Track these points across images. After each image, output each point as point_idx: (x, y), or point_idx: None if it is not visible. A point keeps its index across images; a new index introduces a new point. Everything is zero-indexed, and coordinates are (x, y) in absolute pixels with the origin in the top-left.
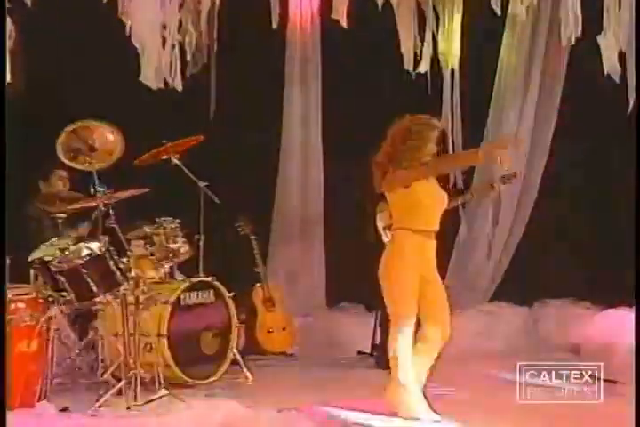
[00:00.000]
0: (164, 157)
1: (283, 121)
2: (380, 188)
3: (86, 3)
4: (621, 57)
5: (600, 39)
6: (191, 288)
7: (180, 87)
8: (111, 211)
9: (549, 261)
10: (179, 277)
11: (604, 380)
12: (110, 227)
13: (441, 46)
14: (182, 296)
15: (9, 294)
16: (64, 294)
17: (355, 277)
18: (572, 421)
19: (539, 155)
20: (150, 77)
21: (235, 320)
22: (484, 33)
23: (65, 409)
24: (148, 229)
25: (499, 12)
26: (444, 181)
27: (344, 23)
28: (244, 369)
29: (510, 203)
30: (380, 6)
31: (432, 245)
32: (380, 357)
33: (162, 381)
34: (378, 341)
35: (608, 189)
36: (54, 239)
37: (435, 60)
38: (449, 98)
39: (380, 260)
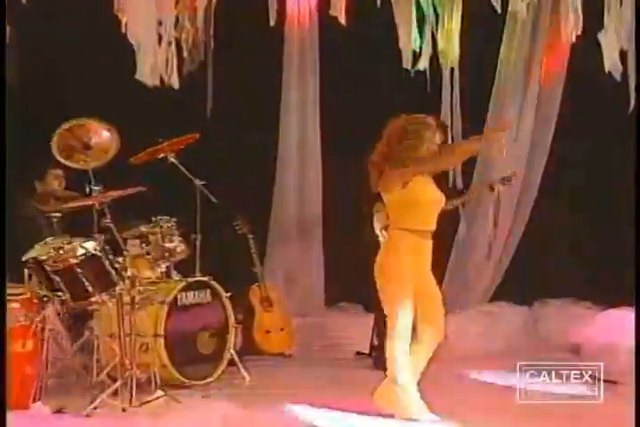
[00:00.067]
0: (161, 155)
1: (280, 119)
2: (376, 188)
3: None
4: (622, 55)
5: (601, 37)
6: (188, 288)
7: (176, 85)
8: (107, 210)
9: (549, 261)
10: (175, 276)
11: (605, 380)
12: (106, 226)
13: (440, 44)
14: (179, 296)
15: None
16: (59, 293)
17: (353, 277)
18: (572, 421)
19: (539, 154)
20: (146, 75)
21: (232, 320)
22: (483, 30)
23: (60, 410)
24: (144, 229)
25: (499, 10)
26: (442, 181)
27: (342, 20)
28: (242, 370)
29: (510, 203)
30: (379, 3)
31: (428, 245)
32: (378, 357)
33: (158, 381)
34: (376, 341)
35: (608, 189)
36: (49, 239)
37: (434, 58)
38: (448, 96)
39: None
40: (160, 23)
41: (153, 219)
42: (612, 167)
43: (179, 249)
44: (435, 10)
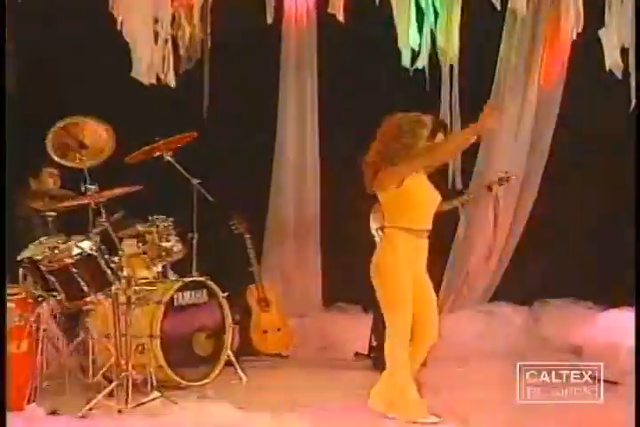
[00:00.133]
0: (157, 153)
1: (278, 118)
2: (370, 187)
3: None
4: (624, 52)
5: (602, 34)
6: (184, 288)
7: (172, 83)
8: (102, 209)
9: (549, 261)
10: (171, 276)
11: (606, 381)
12: (101, 225)
13: (439, 41)
14: (175, 296)
15: None
16: (54, 293)
17: (351, 276)
18: (572, 421)
19: (539, 153)
20: (142, 73)
21: (229, 321)
22: (483, 28)
23: (55, 412)
24: (140, 228)
25: (498, 7)
26: (441, 181)
27: (341, 18)
28: (239, 371)
29: (510, 202)
30: (378, 1)
31: (424, 244)
32: (377, 358)
33: (154, 383)
34: (375, 342)
35: (609, 188)
36: (44, 238)
37: (433, 56)
38: (447, 94)
39: None
40: (156, 21)
41: (149, 218)
42: (612, 166)
43: (175, 249)
44: (434, 7)
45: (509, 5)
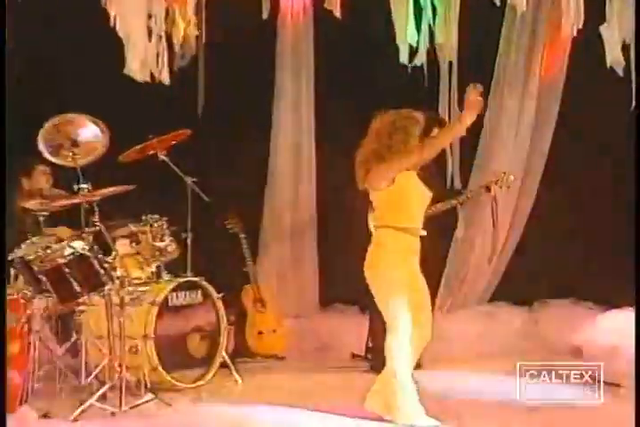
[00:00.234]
0: (151, 152)
1: (273, 116)
2: (362, 185)
3: None
4: (625, 49)
5: (603, 30)
6: (178, 288)
7: (167, 80)
8: (95, 208)
9: (549, 261)
10: (165, 276)
11: (608, 383)
12: (94, 225)
13: (438, 37)
14: (169, 297)
15: None
16: (46, 294)
17: (348, 277)
18: (572, 421)
19: (539, 151)
20: (136, 70)
21: (224, 322)
22: (482, 24)
23: (46, 415)
24: (133, 228)
25: (498, 2)
26: (440, 181)
27: (337, 13)
28: (234, 373)
29: (509, 202)
30: None
31: (416, 242)
32: (374, 359)
33: (148, 385)
34: (372, 343)
35: (609, 187)
36: (35, 238)
37: (431, 52)
38: (446, 91)
39: None
40: (150, 16)
41: (143, 217)
42: (613, 165)
43: (169, 248)
44: (432, 3)
45: (509, 1)
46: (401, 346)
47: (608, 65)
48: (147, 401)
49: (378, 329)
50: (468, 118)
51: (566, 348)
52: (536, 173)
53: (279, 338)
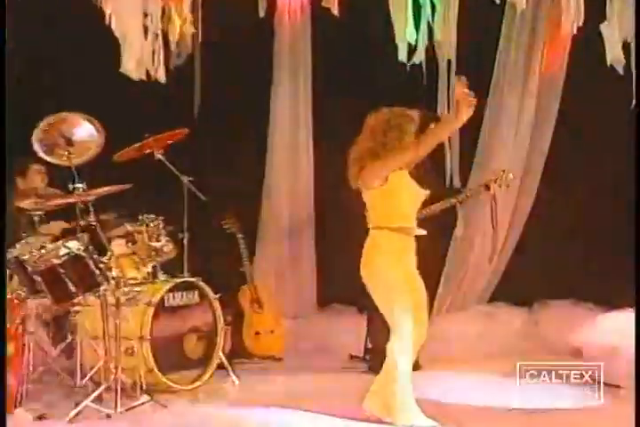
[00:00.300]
0: (147, 151)
1: (270, 115)
2: (356, 184)
3: None
4: (626, 47)
5: (603, 28)
6: (175, 289)
7: (163, 79)
8: (91, 208)
9: (549, 261)
10: (162, 277)
11: (609, 385)
12: (90, 225)
13: (437, 35)
14: (166, 297)
15: None
16: (41, 294)
17: (346, 277)
18: (572, 421)
19: (538, 150)
20: (131, 69)
21: (220, 322)
22: (482, 22)
23: (41, 417)
24: (129, 227)
25: (497, 0)
26: (439, 179)
27: (335, 11)
28: (231, 374)
29: (509, 201)
30: None
31: (410, 242)
32: (373, 361)
33: (144, 386)
34: (370, 344)
35: (610, 186)
36: (30, 238)
37: (430, 50)
38: (445, 89)
39: None
40: (146, 15)
41: (139, 217)
42: (613, 164)
43: (166, 248)
44: (431, 0)
45: None
46: (402, 347)
47: (608, 63)
48: (143, 403)
49: (376, 330)
50: (464, 114)
51: (566, 349)
52: (536, 171)
53: (276, 339)
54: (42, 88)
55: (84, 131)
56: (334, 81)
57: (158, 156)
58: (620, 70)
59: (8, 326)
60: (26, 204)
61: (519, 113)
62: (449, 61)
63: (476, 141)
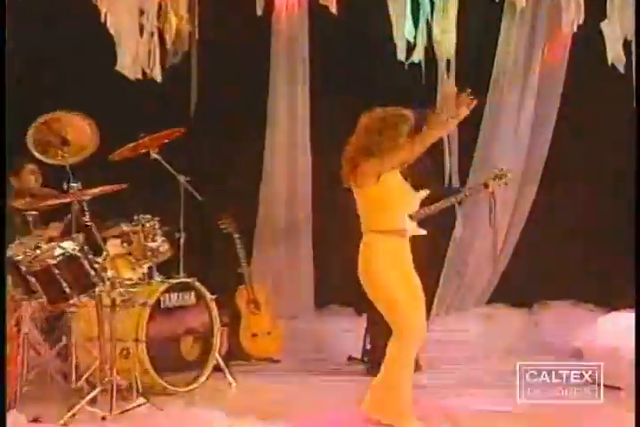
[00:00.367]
0: (143, 150)
1: (268, 114)
2: (347, 182)
3: None
4: (626, 45)
5: (604, 26)
6: (171, 290)
7: (159, 78)
8: (86, 208)
9: (549, 262)
10: (158, 277)
11: (610, 387)
12: (85, 225)
13: (436, 34)
14: (162, 298)
15: None
16: (35, 295)
17: (344, 278)
18: (572, 421)
19: (539, 150)
20: (127, 67)
21: (217, 324)
22: (481, 20)
23: (36, 419)
24: (125, 227)
25: None
26: (438, 179)
27: (333, 9)
28: (228, 376)
29: (509, 201)
30: None
31: (404, 243)
32: (371, 362)
33: (139, 388)
34: (369, 345)
35: (610, 187)
36: (24, 238)
37: (429, 49)
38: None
39: None
40: (142, 13)
41: (135, 217)
42: (613, 165)
43: (162, 249)
44: None
45: None
46: (402, 349)
47: (609, 62)
48: (138, 405)
49: (377, 331)
50: (459, 114)
51: (567, 350)
52: (536, 171)
53: (274, 340)
54: (42, 88)
55: (80, 130)
56: (332, 80)
57: (154, 155)
58: (621, 69)
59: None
60: (20, 204)
61: (519, 112)
62: (448, 61)
63: (476, 141)
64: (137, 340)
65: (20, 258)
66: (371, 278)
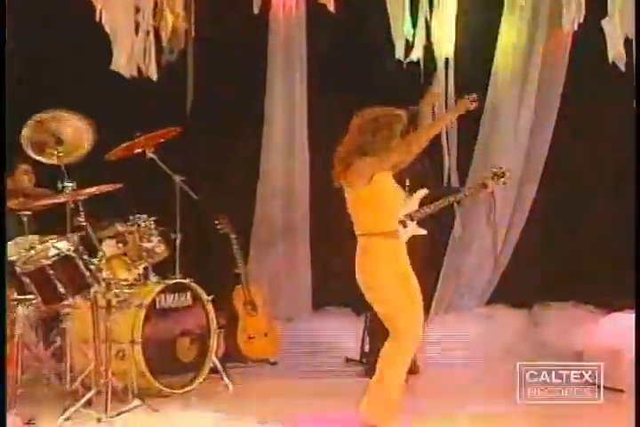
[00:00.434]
0: (138, 150)
1: (265, 112)
2: (338, 181)
3: None
4: (627, 44)
5: (605, 24)
6: (167, 290)
7: (154, 76)
8: (81, 208)
9: (550, 262)
10: (153, 278)
11: (611, 389)
12: (80, 225)
13: (435, 32)
14: (157, 299)
15: None
16: (30, 296)
17: (342, 279)
18: (572, 421)
19: (538, 149)
20: (123, 65)
21: (213, 325)
22: (480, 19)
23: (30, 421)
24: (120, 228)
25: None
26: (437, 178)
27: (331, 7)
28: (224, 378)
29: (508, 201)
30: None
31: (398, 244)
32: (369, 364)
33: (135, 390)
34: (367, 347)
35: (610, 187)
36: (19, 238)
37: (428, 48)
38: (443, 88)
39: None
40: (137, 10)
41: (130, 217)
42: (614, 162)
43: (158, 249)
44: None
45: None
46: (398, 351)
47: (610, 60)
48: (134, 407)
49: (376, 332)
50: (461, 111)
51: (567, 352)
52: (536, 171)
53: (271, 342)
54: (42, 88)
55: (74, 129)
56: (330, 79)
57: (150, 154)
58: (622, 67)
59: None
60: (13, 204)
61: (518, 111)
62: (447, 59)
63: (475, 140)
64: (133, 341)
65: (14, 258)
66: (367, 281)
